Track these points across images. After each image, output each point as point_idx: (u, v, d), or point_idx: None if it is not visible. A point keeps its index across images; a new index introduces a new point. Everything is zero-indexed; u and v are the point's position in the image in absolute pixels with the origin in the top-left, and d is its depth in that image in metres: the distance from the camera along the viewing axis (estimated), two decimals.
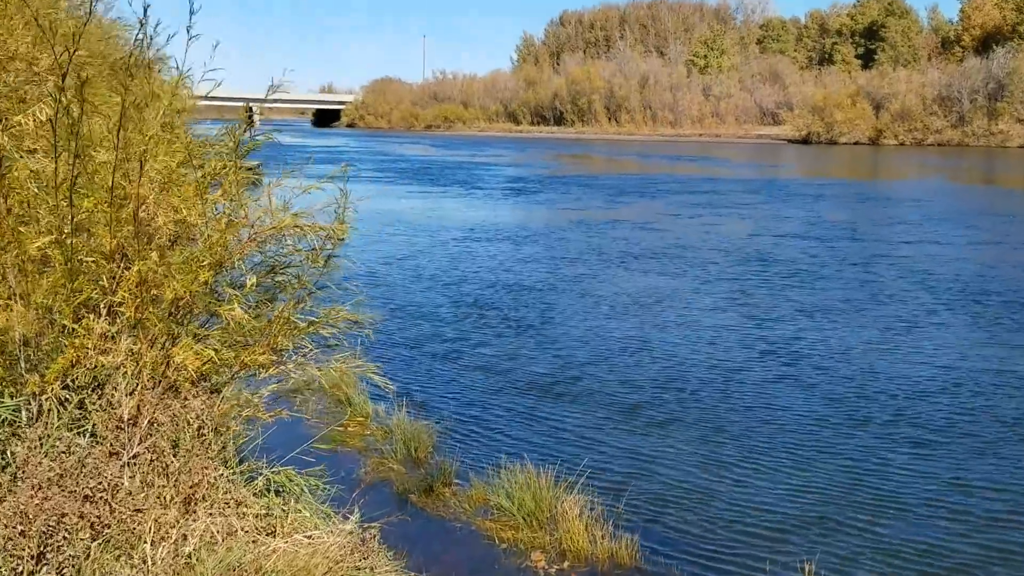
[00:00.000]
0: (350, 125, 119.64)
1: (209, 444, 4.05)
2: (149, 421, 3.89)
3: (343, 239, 4.69)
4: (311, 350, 4.66)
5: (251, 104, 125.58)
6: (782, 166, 47.95)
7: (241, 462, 4.38)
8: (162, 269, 3.98)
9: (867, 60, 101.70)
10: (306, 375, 4.60)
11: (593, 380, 8.71)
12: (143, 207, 4.06)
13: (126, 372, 3.91)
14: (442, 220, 21.86)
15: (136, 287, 3.93)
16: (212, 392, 4.32)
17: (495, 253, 16.81)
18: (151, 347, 4.03)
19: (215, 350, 4.22)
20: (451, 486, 6.09)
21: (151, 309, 4.01)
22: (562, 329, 10.77)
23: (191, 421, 3.97)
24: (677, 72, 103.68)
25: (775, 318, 11.43)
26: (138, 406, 3.88)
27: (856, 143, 76.61)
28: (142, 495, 3.64)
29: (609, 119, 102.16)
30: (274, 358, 4.48)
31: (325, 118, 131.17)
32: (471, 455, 6.77)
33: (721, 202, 26.95)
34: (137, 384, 3.92)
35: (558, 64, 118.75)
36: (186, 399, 4.06)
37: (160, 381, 4.04)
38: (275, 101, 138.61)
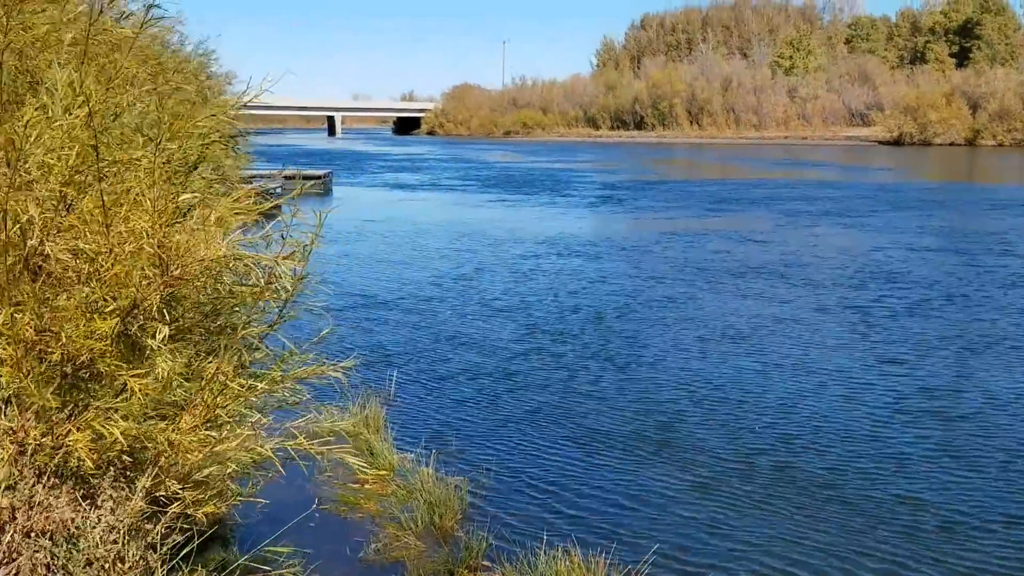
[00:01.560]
0: (430, 132, 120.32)
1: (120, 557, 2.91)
2: (23, 532, 2.85)
3: (302, 278, 3.71)
4: (264, 422, 3.67)
5: (333, 114, 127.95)
6: (881, 169, 45.54)
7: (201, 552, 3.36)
8: (48, 316, 2.99)
9: (961, 59, 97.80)
10: (260, 452, 3.55)
11: (676, 435, 7.11)
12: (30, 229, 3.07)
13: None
14: (516, 232, 20.33)
15: (15, 343, 2.96)
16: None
17: (572, 270, 15.18)
18: (37, 424, 3.02)
19: (133, 423, 3.18)
20: (477, 572, 4.92)
21: (38, 370, 3.02)
22: (643, 366, 9.18)
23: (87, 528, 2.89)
24: (761, 74, 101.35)
25: (913, 356, 9.48)
26: (12, 507, 2.86)
27: (952, 144, 73.56)
28: None
29: (691, 122, 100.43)
30: (214, 433, 3.42)
31: (406, 126, 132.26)
32: (509, 527, 5.52)
33: (824, 209, 24.83)
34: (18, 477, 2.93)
35: (638, 68, 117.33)
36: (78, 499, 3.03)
37: (52, 471, 3.04)
38: (357, 110, 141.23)
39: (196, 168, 3.66)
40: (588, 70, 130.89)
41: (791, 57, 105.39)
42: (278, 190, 24.77)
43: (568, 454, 6.85)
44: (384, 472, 6.15)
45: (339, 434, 7.08)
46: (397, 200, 27.73)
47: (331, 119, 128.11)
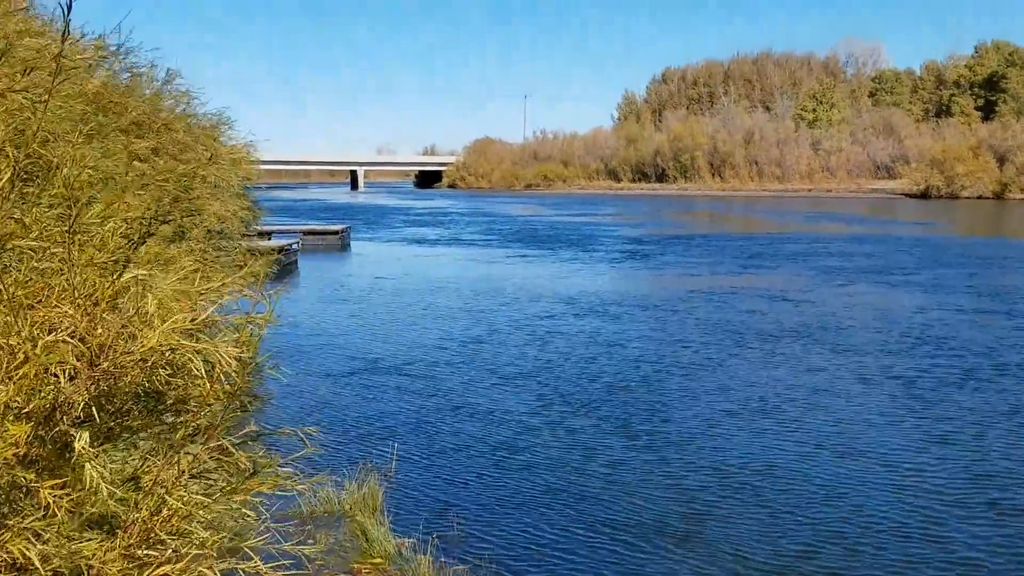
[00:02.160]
0: (451, 186, 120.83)
1: None
2: None
3: (250, 365, 2.99)
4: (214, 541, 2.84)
5: (356, 168, 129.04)
6: (913, 222, 44.15)
7: None
8: None
9: (987, 112, 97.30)
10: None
11: (702, 527, 6.29)
12: None
13: None
14: (534, 289, 19.09)
15: None
16: None
17: (591, 332, 14.02)
18: None
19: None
20: None
21: None
22: (667, 444, 8.22)
23: None
24: (784, 126, 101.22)
25: (967, 435, 8.44)
26: None
27: (979, 197, 72.61)
28: None
29: (713, 175, 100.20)
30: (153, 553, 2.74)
31: (427, 179, 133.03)
32: None
33: (859, 266, 23.49)
34: None
35: (660, 121, 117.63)
36: None
37: None
38: (380, 164, 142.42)
39: (144, 241, 2.98)
40: (609, 123, 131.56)
41: (814, 110, 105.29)
42: (294, 246, 24.20)
43: (581, 544, 6.08)
44: (379, 560, 5.50)
45: (334, 514, 6.41)
46: (414, 256, 26.95)
47: (354, 173, 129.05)
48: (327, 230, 29.82)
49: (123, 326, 2.66)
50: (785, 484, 7.19)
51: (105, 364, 2.65)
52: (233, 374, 2.84)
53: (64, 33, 2.79)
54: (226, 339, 3.20)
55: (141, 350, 2.63)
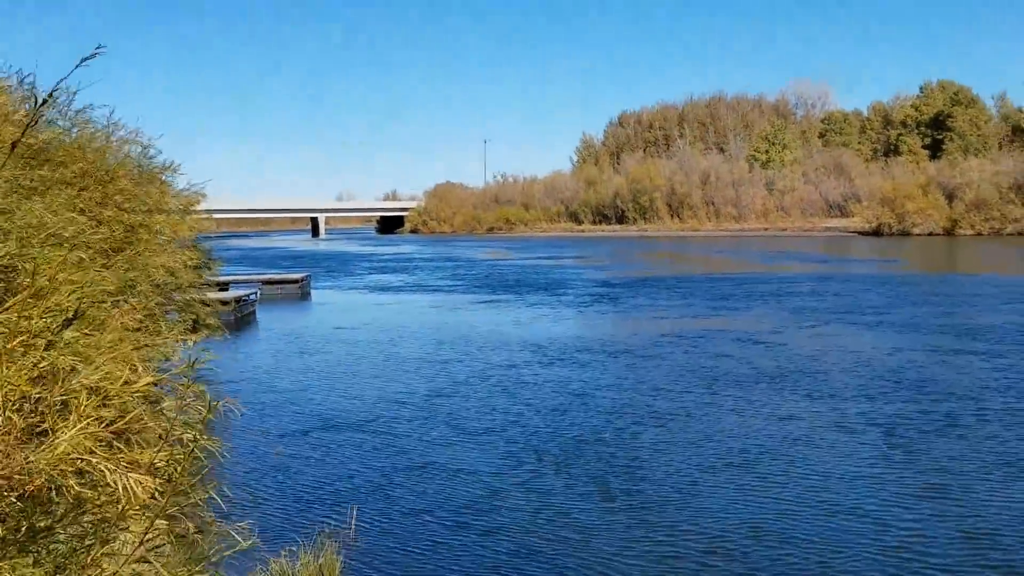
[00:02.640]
0: (413, 231, 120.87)
1: None
2: None
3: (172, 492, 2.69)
4: None
5: (316, 215, 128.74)
6: (870, 260, 44.84)
7: None
8: None
9: (935, 150, 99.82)
10: None
11: None
12: None
13: None
14: (500, 337, 18.58)
15: None
16: None
17: (559, 381, 13.53)
18: None
19: None
20: None
21: None
22: (640, 503, 7.86)
23: None
24: (739, 167, 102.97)
25: (954, 484, 8.18)
26: None
27: (930, 234, 74.16)
28: None
29: (671, 216, 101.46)
30: None
31: (389, 224, 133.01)
32: None
33: (827, 306, 23.24)
34: None
35: (618, 163, 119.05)
36: None
37: None
38: (340, 211, 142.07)
39: (71, 323, 2.92)
40: (568, 167, 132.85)
41: (767, 151, 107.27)
42: (252, 296, 23.97)
43: None
44: None
45: None
46: (376, 303, 26.63)
47: (315, 220, 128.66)
48: (286, 279, 29.63)
49: (28, 430, 2.46)
50: (770, 547, 6.86)
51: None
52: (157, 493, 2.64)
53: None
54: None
55: (45, 461, 2.46)
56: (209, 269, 14.10)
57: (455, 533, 7.34)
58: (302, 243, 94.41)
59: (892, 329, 18.69)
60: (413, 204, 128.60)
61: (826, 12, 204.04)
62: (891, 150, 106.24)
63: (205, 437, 3.03)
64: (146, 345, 3.64)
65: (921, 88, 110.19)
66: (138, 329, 9.35)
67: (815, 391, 12.52)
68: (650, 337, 18.15)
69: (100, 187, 9.93)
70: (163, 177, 12.53)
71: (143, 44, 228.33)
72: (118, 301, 6.50)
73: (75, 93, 9.83)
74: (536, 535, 7.22)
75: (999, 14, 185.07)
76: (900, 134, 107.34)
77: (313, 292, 30.29)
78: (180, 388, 9.10)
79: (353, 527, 7.25)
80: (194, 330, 13.38)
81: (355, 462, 9.42)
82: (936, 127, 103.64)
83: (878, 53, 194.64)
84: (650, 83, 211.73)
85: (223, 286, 26.62)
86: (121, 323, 6.74)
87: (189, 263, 10.95)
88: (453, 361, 15.71)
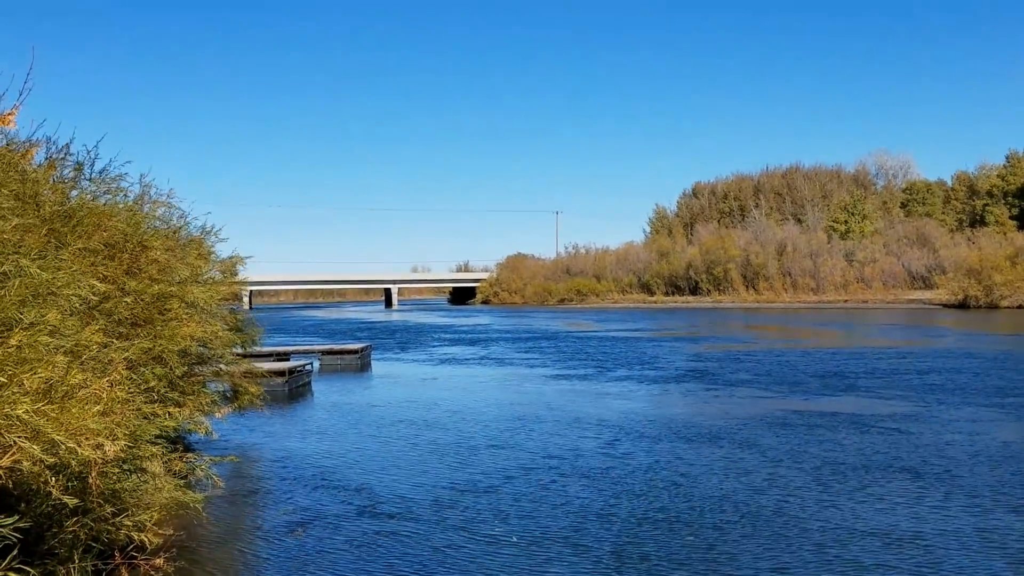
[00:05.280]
0: (484, 301, 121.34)
1: None
2: None
3: None
4: None
5: (389, 286, 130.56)
6: (972, 333, 41.08)
7: None
8: None
9: (1022, 221, 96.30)
10: None
11: None
12: None
13: None
14: (577, 415, 16.88)
15: None
16: None
17: (648, 465, 11.87)
18: None
19: None
20: None
21: None
22: None
23: None
24: (816, 238, 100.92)
25: None
26: None
27: (1020, 306, 70.94)
28: None
29: (746, 287, 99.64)
30: None
31: (461, 295, 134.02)
32: None
33: (944, 383, 20.50)
34: None
35: (691, 234, 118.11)
36: None
37: None
38: (413, 281, 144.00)
39: None
40: (640, 237, 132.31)
41: (846, 221, 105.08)
42: (309, 367, 23.76)
43: None
44: None
45: None
46: (441, 376, 25.66)
47: (388, 291, 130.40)
48: (345, 349, 29.40)
49: None
50: None
51: None
52: None
53: None
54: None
55: None
56: (249, 338, 13.80)
57: None
58: (375, 314, 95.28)
59: (1008, 411, 16.31)
60: (485, 275, 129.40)
61: (905, 81, 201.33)
62: (976, 220, 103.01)
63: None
64: (140, 412, 3.21)
65: (1007, 157, 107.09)
66: (155, 401, 9.05)
67: (942, 481, 10.63)
68: (728, 419, 16.16)
69: (130, 256, 9.77)
70: (206, 241, 12.42)
71: (225, 118, 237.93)
72: (106, 370, 6.15)
73: (95, 156, 9.80)
74: None
75: None
76: (986, 204, 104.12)
77: (374, 363, 29.98)
78: (174, 457, 8.53)
79: None
80: (234, 400, 13.09)
81: (388, 559, 8.24)
82: (1023, 197, 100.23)
83: (962, 122, 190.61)
84: (725, 153, 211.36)
85: (282, 356, 26.58)
86: (109, 394, 6.38)
87: (223, 332, 10.65)
88: (525, 444, 13.95)
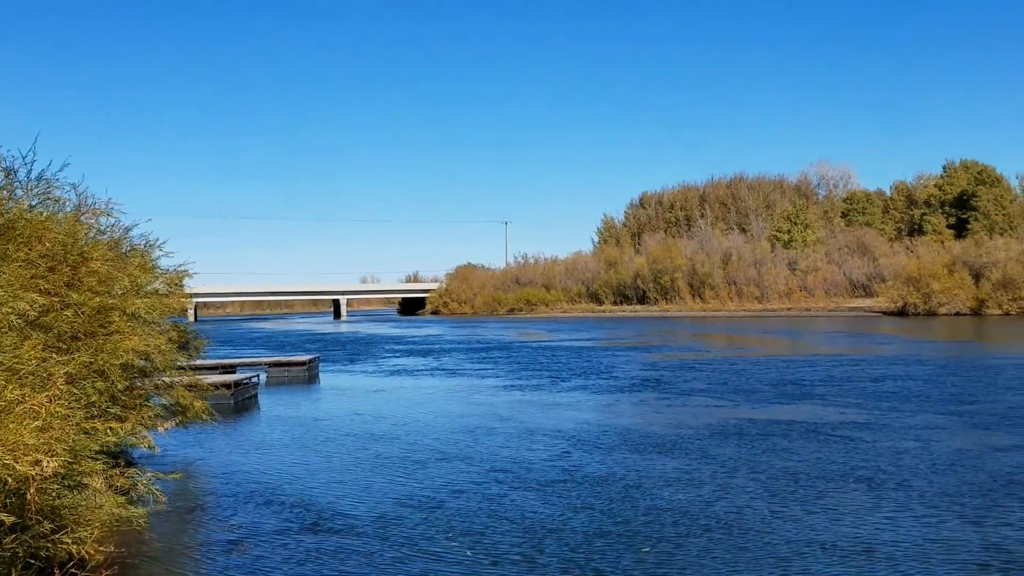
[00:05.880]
0: (434, 312, 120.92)
1: None
2: None
3: None
4: None
5: (338, 297, 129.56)
6: (916, 341, 41.70)
7: None
8: None
9: (959, 230, 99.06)
10: None
11: None
12: None
13: None
14: (531, 426, 16.69)
15: None
16: None
17: (602, 477, 11.74)
18: None
19: None
20: None
21: None
22: None
23: None
24: (760, 247, 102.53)
25: None
26: None
27: (957, 313, 72.83)
28: None
29: (693, 296, 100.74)
30: None
31: (411, 306, 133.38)
32: None
33: (898, 391, 20.59)
34: None
35: (639, 244, 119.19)
36: None
37: None
38: (362, 292, 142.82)
39: None
40: (589, 247, 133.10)
41: (789, 231, 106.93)
42: (255, 379, 23.38)
43: None
44: None
45: None
46: (392, 388, 25.26)
47: (336, 302, 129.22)
48: (292, 361, 28.98)
49: None
50: None
51: None
52: None
53: None
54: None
55: None
56: (194, 350, 13.47)
57: None
58: (324, 325, 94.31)
59: (979, 419, 16.27)
60: (434, 285, 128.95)
61: (849, 93, 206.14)
62: (915, 230, 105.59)
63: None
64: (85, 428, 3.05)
65: (944, 167, 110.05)
66: (96, 415, 8.75)
67: (902, 489, 10.71)
68: (681, 429, 16.07)
69: (71, 268, 9.46)
70: (150, 253, 12.09)
71: (179, 121, 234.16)
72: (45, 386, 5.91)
73: (33, 160, 9.46)
74: None
75: (1021, 90, 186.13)
76: (924, 213, 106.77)
77: (322, 375, 29.59)
78: (115, 473, 8.27)
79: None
80: (178, 414, 12.75)
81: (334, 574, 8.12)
82: (960, 206, 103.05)
83: (900, 133, 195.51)
84: (671, 165, 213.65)
85: (229, 369, 26.08)
86: (48, 409, 6.13)
87: (166, 345, 10.35)
88: (474, 456, 13.67)
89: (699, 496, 10.66)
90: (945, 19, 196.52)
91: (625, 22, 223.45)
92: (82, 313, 9.09)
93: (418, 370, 31.18)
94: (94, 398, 8.12)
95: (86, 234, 10.00)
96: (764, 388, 22.39)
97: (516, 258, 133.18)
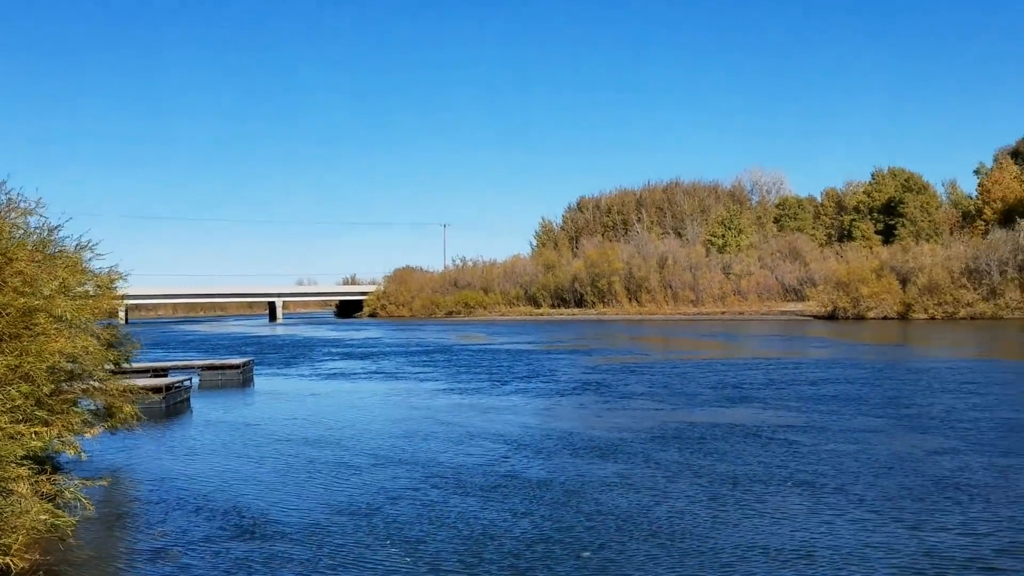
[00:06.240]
0: (372, 315, 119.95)
1: None
2: None
3: None
4: None
5: (274, 299, 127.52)
6: (850, 344, 42.62)
7: None
8: None
9: (887, 235, 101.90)
10: None
11: None
12: None
13: None
14: (469, 430, 16.49)
15: None
16: None
17: (542, 481, 11.65)
18: None
19: None
20: None
21: None
22: None
23: None
24: (696, 251, 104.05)
25: None
26: None
27: (885, 317, 74.85)
28: None
29: (630, 299, 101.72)
30: None
31: (348, 308, 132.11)
32: None
33: (837, 394, 21.08)
34: None
35: (577, 247, 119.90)
36: None
37: None
38: (298, 295, 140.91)
39: None
40: (527, 250, 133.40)
41: (723, 236, 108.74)
42: (188, 383, 22.82)
43: None
44: None
45: None
46: (328, 392, 24.91)
47: (272, 304, 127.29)
48: (226, 364, 28.38)
49: None
50: None
51: None
52: None
53: None
54: None
55: None
56: (123, 353, 13.06)
57: None
58: (259, 328, 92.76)
59: (934, 425, 16.39)
60: (372, 288, 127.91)
61: (780, 101, 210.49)
62: (845, 235, 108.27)
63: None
64: None
65: (872, 175, 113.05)
66: (21, 420, 8.40)
67: (838, 489, 10.99)
68: (648, 431, 16.05)
69: None
70: (80, 255, 11.67)
71: (105, 124, 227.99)
72: None
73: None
74: None
75: (948, 101, 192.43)
76: (853, 219, 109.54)
77: (257, 379, 29.04)
78: (41, 479, 7.97)
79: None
80: (107, 418, 12.34)
81: None
82: (888, 213, 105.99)
83: (830, 140, 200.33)
84: (609, 169, 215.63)
85: (160, 372, 25.44)
86: None
87: (95, 348, 10.00)
88: (412, 461, 13.63)
89: (641, 501, 10.66)
90: (873, 28, 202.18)
91: (561, 27, 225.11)
92: (6, 315, 8.73)
93: (355, 373, 30.81)
94: (19, 402, 7.79)
95: (11, 233, 9.61)
96: (704, 391, 22.56)
97: (455, 261, 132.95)
